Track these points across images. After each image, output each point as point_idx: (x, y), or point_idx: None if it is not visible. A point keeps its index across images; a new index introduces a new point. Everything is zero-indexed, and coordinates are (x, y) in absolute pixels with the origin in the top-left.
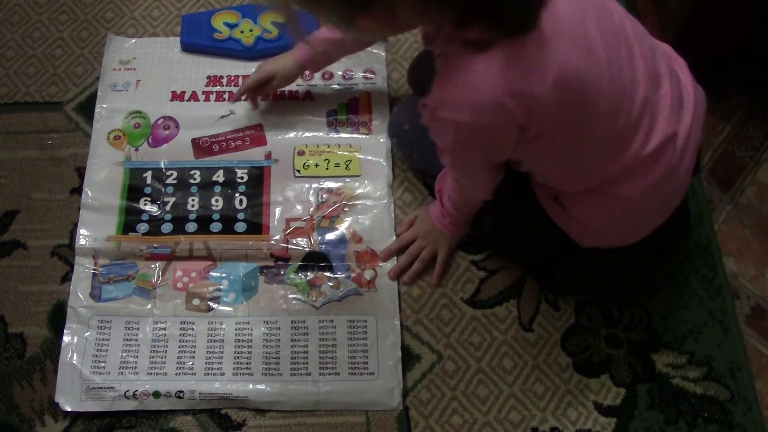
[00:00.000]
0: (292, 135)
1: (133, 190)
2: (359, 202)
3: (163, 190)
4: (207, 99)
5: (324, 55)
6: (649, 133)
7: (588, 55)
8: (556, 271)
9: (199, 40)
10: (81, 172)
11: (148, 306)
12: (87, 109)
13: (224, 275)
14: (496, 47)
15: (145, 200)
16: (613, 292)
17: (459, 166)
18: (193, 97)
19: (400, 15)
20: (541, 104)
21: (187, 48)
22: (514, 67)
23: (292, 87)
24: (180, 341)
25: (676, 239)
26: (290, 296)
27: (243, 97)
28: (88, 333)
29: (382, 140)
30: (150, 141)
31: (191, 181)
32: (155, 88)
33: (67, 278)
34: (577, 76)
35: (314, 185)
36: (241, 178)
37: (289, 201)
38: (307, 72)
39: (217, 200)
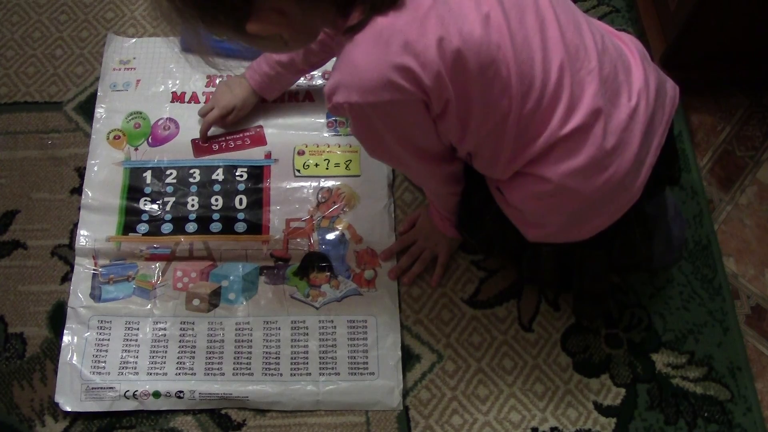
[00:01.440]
0: (292, 135)
1: (133, 190)
2: (359, 202)
3: (163, 189)
4: (207, 100)
5: (277, 79)
6: (570, 110)
7: (481, 23)
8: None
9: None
10: (81, 172)
11: (148, 306)
12: (87, 109)
13: (224, 275)
14: (369, 26)
15: (145, 200)
16: (581, 293)
17: (383, 156)
18: (194, 98)
19: (286, 12)
20: (429, 75)
21: (187, 48)
22: (392, 41)
23: (291, 88)
24: (180, 341)
25: (638, 252)
26: (290, 296)
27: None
28: (88, 333)
29: None
30: (150, 141)
31: (191, 180)
32: (155, 88)
33: (67, 278)
34: (464, 43)
35: (314, 185)
36: (241, 176)
37: (289, 201)
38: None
39: (217, 199)
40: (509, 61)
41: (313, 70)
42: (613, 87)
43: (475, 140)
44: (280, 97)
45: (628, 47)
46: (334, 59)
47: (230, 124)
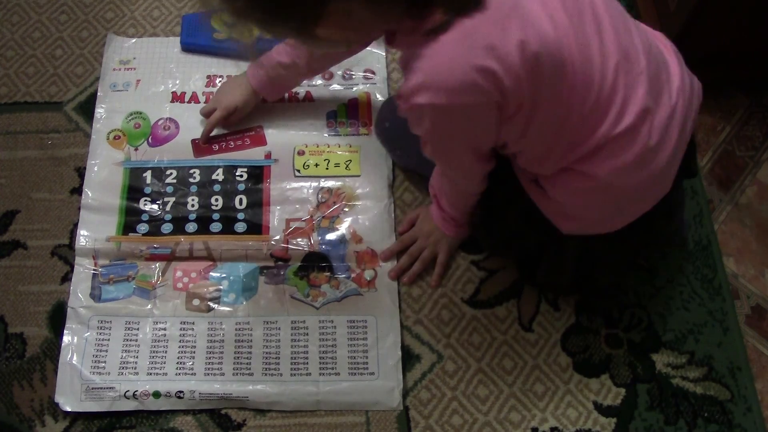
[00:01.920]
0: (292, 135)
1: (133, 190)
2: (359, 202)
3: (163, 189)
4: (207, 100)
5: (278, 80)
6: (622, 110)
7: (552, 25)
8: (538, 266)
9: (199, 40)
10: (81, 172)
11: (148, 306)
12: (87, 109)
13: (224, 275)
14: (453, 28)
15: (145, 200)
16: (593, 289)
17: (442, 156)
18: (194, 98)
19: (356, 16)
20: (510, 78)
21: (187, 48)
22: (476, 43)
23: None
24: (180, 341)
25: (660, 235)
26: (290, 296)
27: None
28: (88, 333)
29: None
30: (150, 141)
31: (191, 180)
32: (155, 88)
33: (67, 278)
34: (542, 46)
35: (314, 185)
36: (241, 176)
37: (289, 201)
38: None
39: (217, 199)
40: (575, 62)
41: (313, 76)
42: (657, 86)
43: (532, 139)
44: (280, 97)
45: (665, 45)
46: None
47: (232, 124)
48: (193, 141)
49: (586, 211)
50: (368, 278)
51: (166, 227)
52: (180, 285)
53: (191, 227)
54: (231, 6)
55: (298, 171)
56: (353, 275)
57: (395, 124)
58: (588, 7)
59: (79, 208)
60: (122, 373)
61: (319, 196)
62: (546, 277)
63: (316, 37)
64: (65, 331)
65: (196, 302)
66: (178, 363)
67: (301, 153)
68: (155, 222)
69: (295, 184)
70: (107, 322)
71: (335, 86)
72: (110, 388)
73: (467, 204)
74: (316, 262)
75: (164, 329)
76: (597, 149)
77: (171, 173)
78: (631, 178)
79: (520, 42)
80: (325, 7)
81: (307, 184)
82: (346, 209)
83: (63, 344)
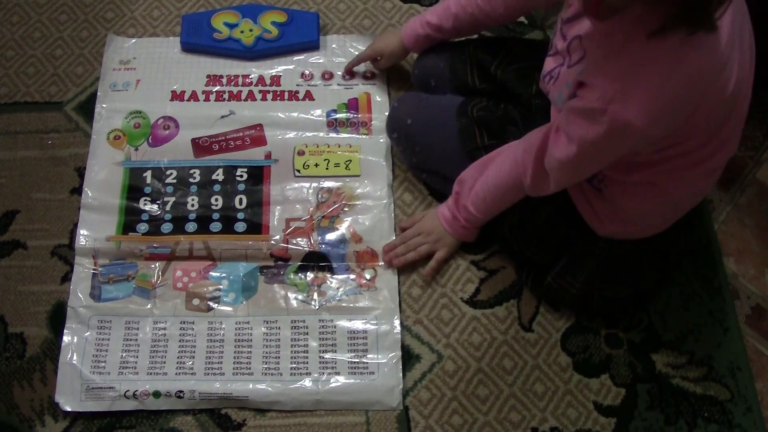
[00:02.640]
0: (292, 135)
1: (133, 190)
2: (359, 202)
3: (163, 189)
4: (207, 99)
5: (426, 38)
6: (724, 145)
7: (743, 65)
8: (552, 267)
9: (199, 40)
10: (81, 172)
11: (148, 306)
12: (87, 109)
13: (224, 275)
14: (681, 53)
15: (145, 200)
16: (600, 301)
17: (578, 163)
18: (193, 96)
19: None
20: (704, 110)
21: (187, 48)
22: (699, 84)
23: (291, 87)
24: (180, 341)
25: (686, 235)
26: (290, 296)
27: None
28: (88, 333)
29: (382, 140)
30: (150, 141)
31: (191, 180)
32: (155, 88)
33: (67, 278)
34: (735, 83)
35: (314, 185)
36: (241, 176)
37: (289, 201)
38: (306, 72)
39: (216, 199)
40: (739, 104)
41: (458, 37)
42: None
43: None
44: (281, 96)
45: None
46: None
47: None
48: (193, 140)
49: (640, 217)
50: (368, 278)
51: (166, 227)
52: (180, 285)
53: (191, 227)
54: None
55: (298, 171)
56: (353, 275)
57: (419, 122)
58: (750, 47)
59: (79, 208)
60: (122, 373)
61: (319, 195)
62: (557, 278)
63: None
64: (65, 331)
65: (195, 302)
66: (178, 363)
67: (301, 153)
68: (155, 221)
69: (295, 184)
70: (107, 321)
71: (335, 86)
72: (110, 387)
73: (500, 210)
74: (316, 262)
75: (164, 329)
76: (693, 178)
77: (171, 173)
78: (694, 198)
79: (725, 84)
80: None
81: (307, 184)
82: (346, 209)
83: (63, 344)
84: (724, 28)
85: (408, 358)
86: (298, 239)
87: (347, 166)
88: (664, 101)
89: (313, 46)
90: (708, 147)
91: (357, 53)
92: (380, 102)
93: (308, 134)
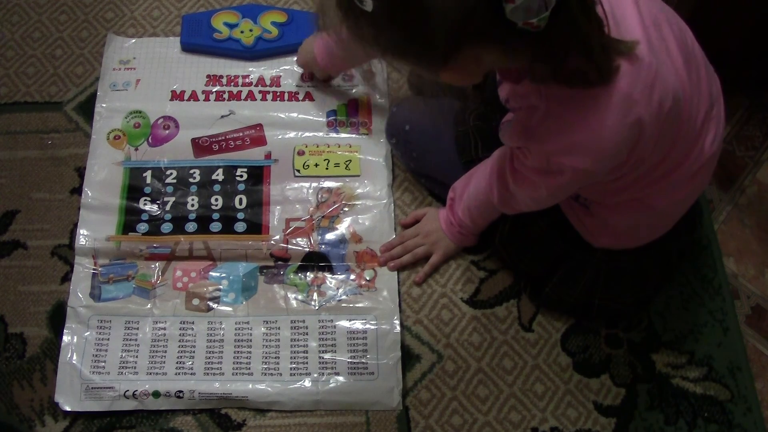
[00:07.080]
0: (291, 135)
1: (133, 189)
2: (359, 202)
3: (163, 189)
4: (207, 99)
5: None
6: (699, 154)
7: (676, 74)
8: (550, 278)
9: (199, 40)
10: (81, 172)
11: (148, 306)
12: (87, 109)
13: (224, 275)
14: (607, 92)
15: (145, 200)
16: (601, 309)
17: (549, 198)
18: (193, 96)
19: (486, 60)
20: (648, 133)
21: (187, 48)
22: (629, 116)
23: (291, 88)
24: (180, 341)
25: (686, 236)
26: (290, 296)
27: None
28: (88, 333)
29: (381, 141)
30: (150, 141)
31: (191, 180)
32: (155, 88)
33: (67, 278)
34: (673, 97)
35: (314, 185)
36: (241, 176)
37: (288, 201)
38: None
39: (216, 199)
40: (686, 115)
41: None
42: (720, 130)
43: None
44: (281, 97)
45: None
46: None
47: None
48: (193, 140)
49: (629, 232)
50: (368, 278)
51: (166, 227)
52: (180, 284)
53: (191, 227)
54: (356, 32)
55: (298, 171)
56: (353, 275)
57: (416, 128)
58: (693, 53)
59: (79, 208)
60: (122, 373)
61: (319, 195)
62: (555, 289)
63: (440, 77)
64: (65, 331)
65: (195, 302)
66: (177, 362)
67: (301, 153)
68: (155, 221)
69: (295, 184)
70: (107, 321)
71: (335, 86)
72: (110, 387)
73: (490, 221)
74: (315, 262)
75: (164, 329)
76: (666, 187)
77: (171, 173)
78: (681, 207)
79: (660, 91)
80: (458, 52)
81: (307, 184)
82: (346, 209)
83: (63, 344)
84: (642, 45)
85: (408, 359)
86: (298, 239)
87: (347, 166)
88: (604, 141)
89: None
90: (670, 157)
91: None
92: (380, 103)
93: (308, 134)
